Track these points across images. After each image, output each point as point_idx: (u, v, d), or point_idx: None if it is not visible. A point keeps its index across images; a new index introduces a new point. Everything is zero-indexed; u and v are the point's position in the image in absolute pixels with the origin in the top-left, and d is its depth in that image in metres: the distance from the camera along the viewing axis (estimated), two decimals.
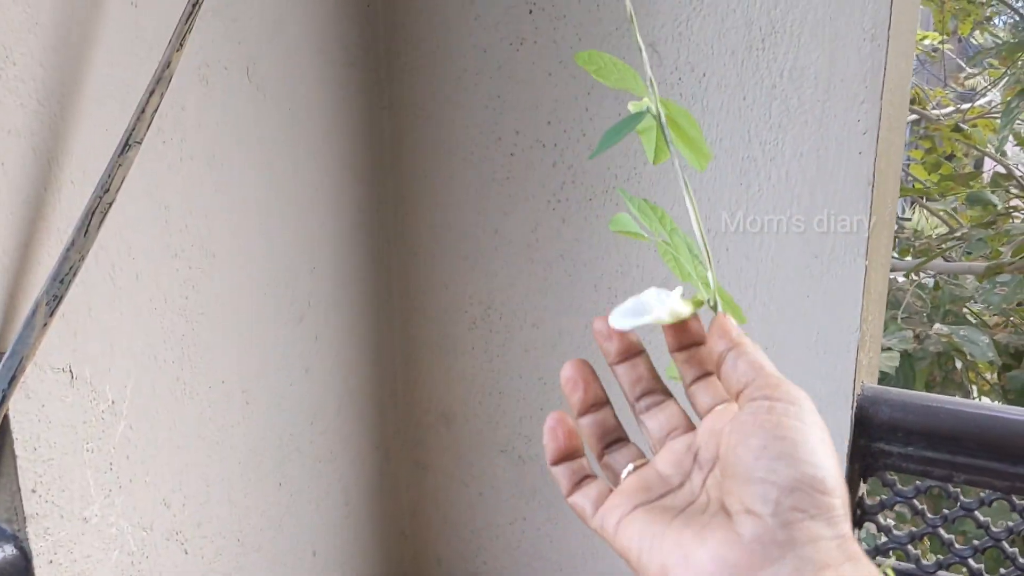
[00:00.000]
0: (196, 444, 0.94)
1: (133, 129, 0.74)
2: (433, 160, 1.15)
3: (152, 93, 0.75)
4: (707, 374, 0.52)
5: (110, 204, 0.74)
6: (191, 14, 0.76)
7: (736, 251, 1.03)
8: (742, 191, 1.01)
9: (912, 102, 2.94)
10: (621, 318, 0.51)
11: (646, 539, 0.46)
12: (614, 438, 0.53)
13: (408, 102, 1.14)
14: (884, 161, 1.01)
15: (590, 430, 0.53)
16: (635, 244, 1.08)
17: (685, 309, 0.51)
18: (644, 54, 0.57)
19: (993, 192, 2.17)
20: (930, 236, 2.35)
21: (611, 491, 0.51)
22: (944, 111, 3.18)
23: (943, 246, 2.07)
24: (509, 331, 1.17)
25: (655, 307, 0.51)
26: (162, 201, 0.86)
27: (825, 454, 0.44)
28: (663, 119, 0.55)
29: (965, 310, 2.28)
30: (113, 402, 0.84)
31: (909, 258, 2.46)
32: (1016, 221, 2.25)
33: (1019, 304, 2.35)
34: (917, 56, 3.59)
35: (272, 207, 1.00)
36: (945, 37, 3.32)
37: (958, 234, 2.03)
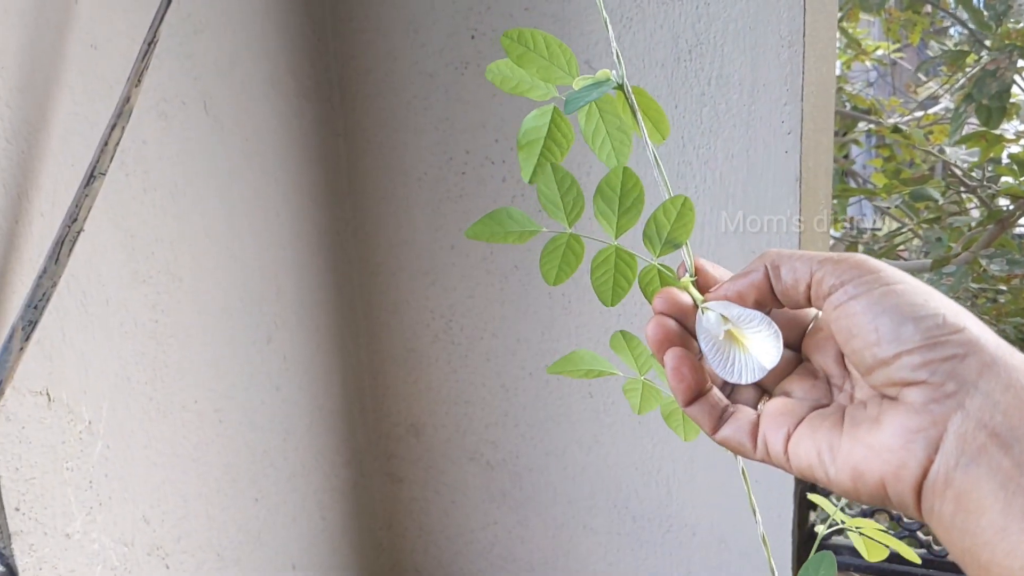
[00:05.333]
0: (172, 461, 0.99)
1: (97, 161, 0.79)
2: (388, 183, 1.20)
3: (114, 127, 0.81)
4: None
5: (79, 233, 0.79)
6: (147, 52, 0.81)
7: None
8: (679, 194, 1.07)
9: (868, 112, 3.03)
10: (726, 370, 0.49)
11: (825, 452, 0.43)
12: (723, 407, 0.50)
13: (361, 129, 1.20)
14: (812, 159, 1.07)
15: (700, 410, 0.49)
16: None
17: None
18: (609, 28, 0.61)
19: (944, 193, 2.25)
20: (884, 235, 2.43)
21: (759, 417, 0.48)
22: (901, 120, 3.27)
23: (895, 240, 2.14)
24: (470, 342, 1.22)
25: (717, 331, 0.50)
26: (128, 230, 0.91)
27: (928, 296, 0.42)
28: (628, 88, 0.56)
29: None
30: (90, 423, 0.88)
31: None
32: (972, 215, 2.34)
33: (983, 290, 2.43)
34: (875, 67, 3.69)
35: (234, 234, 1.05)
36: (898, 46, 3.43)
37: (906, 229, 2.11)
